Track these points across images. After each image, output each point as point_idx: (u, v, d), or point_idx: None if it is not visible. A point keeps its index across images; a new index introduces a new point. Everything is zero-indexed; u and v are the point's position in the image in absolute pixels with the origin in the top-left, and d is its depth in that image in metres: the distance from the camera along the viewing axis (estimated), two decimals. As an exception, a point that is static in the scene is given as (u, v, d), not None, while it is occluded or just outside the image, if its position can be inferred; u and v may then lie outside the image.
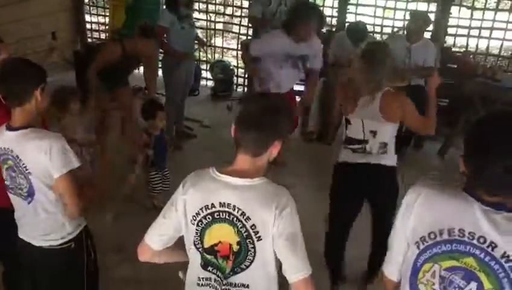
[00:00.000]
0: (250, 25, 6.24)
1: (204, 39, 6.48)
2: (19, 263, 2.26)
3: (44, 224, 2.10)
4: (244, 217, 1.55)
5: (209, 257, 1.64)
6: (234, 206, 1.56)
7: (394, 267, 1.55)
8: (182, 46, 4.81)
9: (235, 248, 1.58)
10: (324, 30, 6.36)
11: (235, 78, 6.86)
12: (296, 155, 5.15)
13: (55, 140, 1.98)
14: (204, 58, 7.12)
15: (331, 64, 5.19)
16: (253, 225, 1.54)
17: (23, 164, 2.00)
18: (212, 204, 1.58)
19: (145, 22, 4.55)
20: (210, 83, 6.88)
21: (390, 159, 2.88)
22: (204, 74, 6.96)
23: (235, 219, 1.56)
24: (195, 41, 5.23)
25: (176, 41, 4.78)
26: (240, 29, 6.80)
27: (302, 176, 4.66)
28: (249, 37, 6.43)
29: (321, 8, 5.51)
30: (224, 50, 7.25)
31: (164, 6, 4.87)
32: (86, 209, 2.11)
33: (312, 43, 4.03)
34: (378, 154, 2.83)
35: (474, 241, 1.32)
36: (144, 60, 4.50)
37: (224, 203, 1.57)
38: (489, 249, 1.30)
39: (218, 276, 1.64)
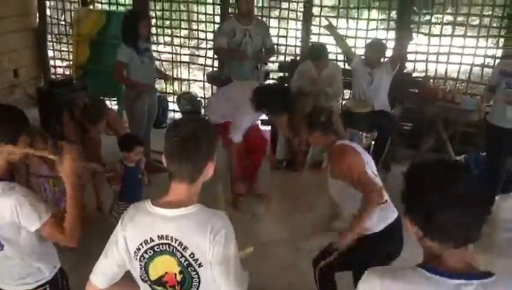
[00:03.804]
0: (216, 56, 6.31)
1: (168, 72, 6.50)
2: None
3: (19, 269, 2.02)
4: (182, 247, 1.58)
5: (159, 288, 1.66)
6: (172, 237, 1.59)
7: None
8: (142, 79, 4.79)
9: (179, 277, 1.62)
10: (288, 59, 6.52)
11: (202, 109, 6.87)
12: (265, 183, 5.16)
13: (22, 197, 1.88)
14: (171, 91, 7.13)
15: (296, 93, 5.28)
16: (192, 253, 1.57)
17: None
18: (151, 238, 1.60)
19: (86, 102, 4.05)
20: (178, 115, 6.86)
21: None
22: (171, 106, 6.95)
23: (174, 249, 1.59)
24: (156, 74, 5.23)
25: (136, 75, 4.75)
26: (205, 61, 6.86)
27: (272, 203, 4.66)
28: (215, 69, 6.51)
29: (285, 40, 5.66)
30: (191, 82, 7.28)
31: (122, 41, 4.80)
32: (78, 234, 1.99)
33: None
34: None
35: None
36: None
37: (162, 235, 1.59)
38: None
39: None
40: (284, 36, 6.43)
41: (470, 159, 4.99)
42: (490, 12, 5.87)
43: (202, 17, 6.79)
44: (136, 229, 1.63)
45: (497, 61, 5.32)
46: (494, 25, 5.85)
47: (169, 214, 1.59)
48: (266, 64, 5.88)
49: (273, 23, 6.59)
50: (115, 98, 6.61)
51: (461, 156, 5.12)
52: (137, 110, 4.85)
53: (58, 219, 1.97)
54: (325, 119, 2.70)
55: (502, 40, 5.65)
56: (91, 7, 7.00)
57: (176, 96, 6.88)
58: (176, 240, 1.58)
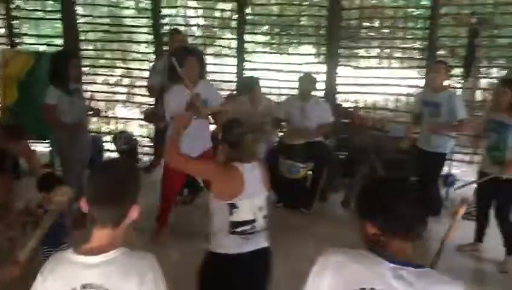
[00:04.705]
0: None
1: (104, 112, 6.37)
2: None
3: None
4: None
5: None
6: (97, 285, 1.53)
7: None
8: (72, 120, 4.59)
9: None
10: (225, 94, 6.58)
11: (139, 147, 6.76)
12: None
13: None
14: (107, 130, 6.97)
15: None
16: None
17: None
18: (74, 289, 1.53)
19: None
20: (114, 155, 6.71)
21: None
22: (107, 146, 6.79)
23: None
24: (88, 112, 5.08)
25: (66, 117, 4.54)
26: (141, 99, 6.81)
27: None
28: (152, 107, 6.45)
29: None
30: (128, 120, 7.19)
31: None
32: None
33: (203, 85, 4.14)
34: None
35: None
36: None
37: (86, 284, 1.53)
38: None
39: None
40: (220, 72, 6.53)
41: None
42: (413, 45, 6.27)
43: (137, 56, 6.78)
44: (58, 281, 1.54)
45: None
46: (417, 56, 6.23)
47: (92, 261, 1.53)
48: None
49: (210, 59, 6.69)
50: (47, 141, 6.38)
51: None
52: (68, 151, 4.63)
53: None
54: (236, 139, 2.46)
55: (424, 70, 6.01)
56: (19, 47, 6.82)
57: (112, 136, 6.74)
58: (101, 287, 1.52)
